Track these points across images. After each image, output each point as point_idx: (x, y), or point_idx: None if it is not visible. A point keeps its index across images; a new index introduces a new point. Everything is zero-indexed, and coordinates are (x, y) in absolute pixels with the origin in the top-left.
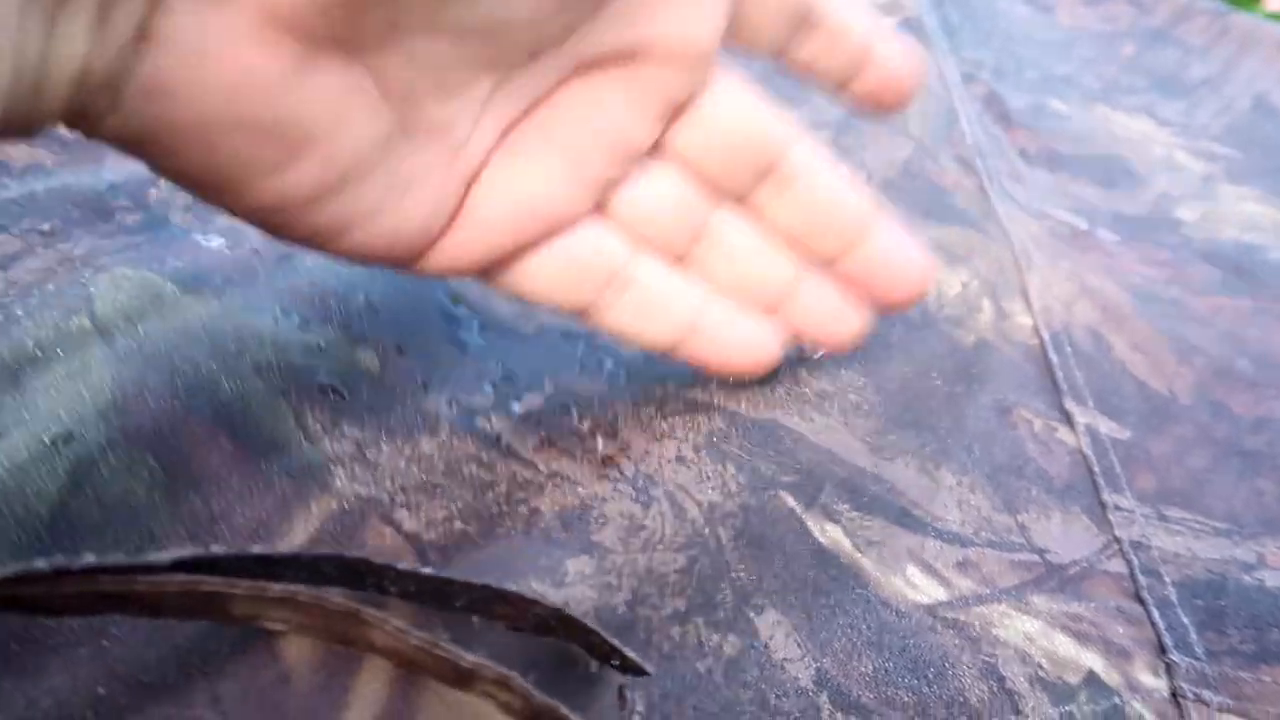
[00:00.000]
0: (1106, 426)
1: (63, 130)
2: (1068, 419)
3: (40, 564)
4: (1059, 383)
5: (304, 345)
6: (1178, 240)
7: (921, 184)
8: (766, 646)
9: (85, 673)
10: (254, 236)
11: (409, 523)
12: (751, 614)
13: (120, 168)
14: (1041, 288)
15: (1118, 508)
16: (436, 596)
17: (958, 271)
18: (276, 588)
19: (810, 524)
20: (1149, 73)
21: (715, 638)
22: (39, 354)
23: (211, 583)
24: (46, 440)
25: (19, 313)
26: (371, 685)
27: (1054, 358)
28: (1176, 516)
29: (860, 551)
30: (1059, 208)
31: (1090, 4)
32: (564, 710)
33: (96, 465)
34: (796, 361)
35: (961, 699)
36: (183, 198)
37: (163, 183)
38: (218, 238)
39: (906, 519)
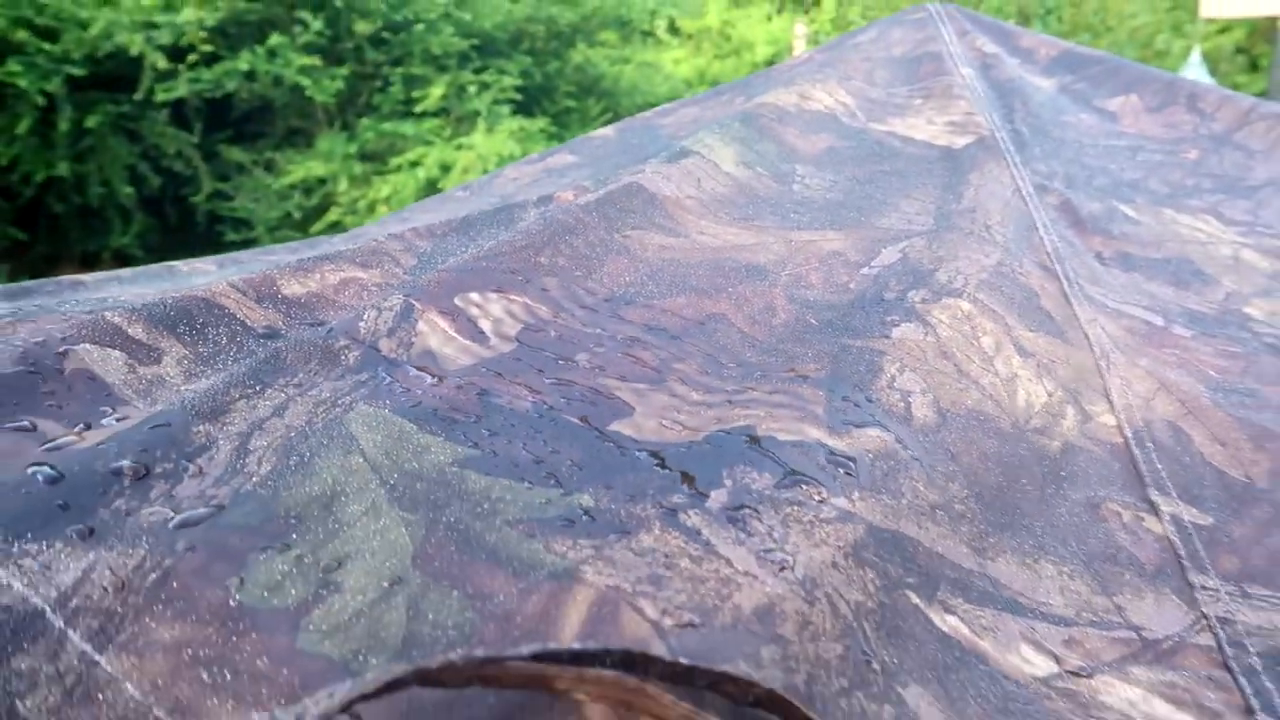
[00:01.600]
0: (1190, 514)
1: (286, 291)
2: (1153, 508)
3: (479, 653)
4: (1143, 476)
5: (536, 501)
6: (1248, 335)
7: (1012, 284)
8: (916, 713)
9: None
10: (446, 366)
11: (650, 610)
12: (899, 688)
13: (335, 315)
14: (1122, 387)
15: (1203, 587)
16: (684, 677)
17: (1044, 382)
18: (591, 673)
19: (933, 616)
20: (1213, 176)
21: (874, 707)
22: (337, 489)
23: (554, 670)
24: (385, 584)
25: (307, 454)
26: None
27: (1137, 453)
28: (1259, 594)
29: (978, 635)
30: (1135, 305)
31: (1153, 111)
32: None
33: (423, 600)
34: (917, 475)
35: None
36: (385, 325)
37: (368, 314)
38: (416, 371)
39: (1014, 606)
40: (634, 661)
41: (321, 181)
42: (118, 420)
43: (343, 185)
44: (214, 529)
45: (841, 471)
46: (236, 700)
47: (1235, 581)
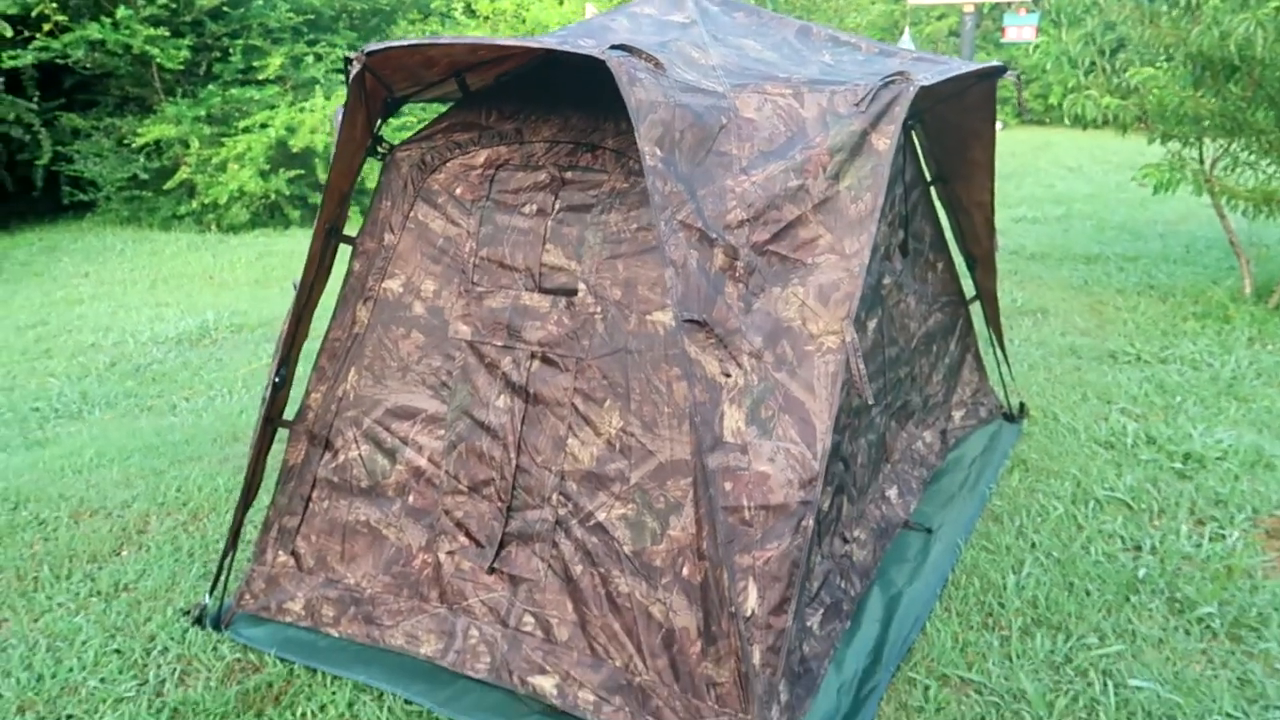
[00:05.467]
0: None
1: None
2: None
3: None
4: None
5: None
6: (747, 64)
7: (685, 45)
8: None
9: None
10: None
11: None
12: None
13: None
14: (716, 59)
15: None
16: None
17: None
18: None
19: None
20: (759, 33)
21: None
22: None
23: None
24: None
25: None
26: None
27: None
28: None
29: None
30: (730, 52)
31: (749, 16)
32: None
33: None
34: None
35: None
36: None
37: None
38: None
39: None
40: None
41: (169, 144)
42: None
43: (194, 146)
44: None
45: None
46: None
47: None
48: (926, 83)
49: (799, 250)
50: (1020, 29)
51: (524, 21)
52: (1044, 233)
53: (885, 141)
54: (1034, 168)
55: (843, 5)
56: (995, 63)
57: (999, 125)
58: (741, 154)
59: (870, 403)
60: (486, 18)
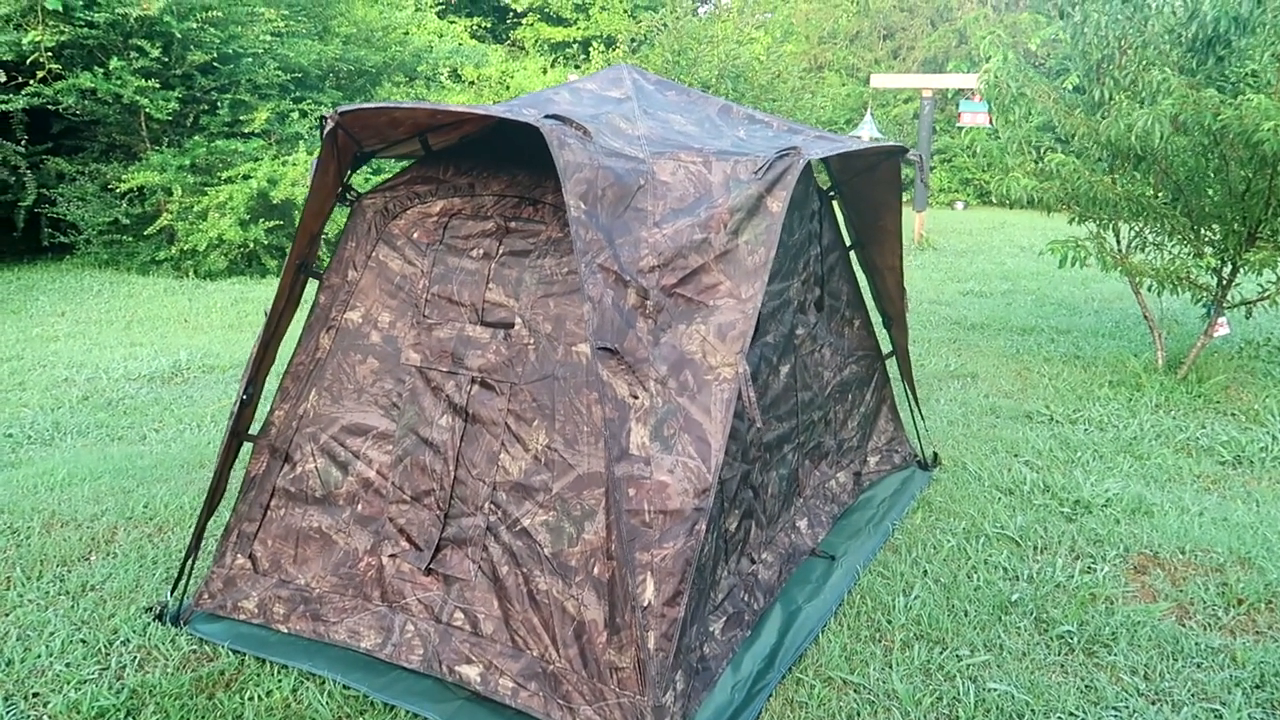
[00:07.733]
0: None
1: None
2: None
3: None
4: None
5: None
6: (670, 134)
7: (616, 119)
8: None
9: None
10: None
11: None
12: None
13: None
14: (644, 131)
15: None
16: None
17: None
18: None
19: None
20: (685, 109)
21: None
22: None
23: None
24: None
25: None
26: None
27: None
28: None
29: None
30: (655, 125)
31: (679, 95)
32: None
33: None
34: None
35: None
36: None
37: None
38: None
39: None
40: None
41: (152, 191)
42: None
43: (177, 193)
44: None
45: None
46: None
47: None
48: (814, 156)
49: (702, 293)
50: (974, 115)
51: (508, 88)
52: (987, 305)
53: (778, 204)
54: (988, 246)
55: (799, 87)
56: (896, 143)
57: (959, 205)
58: (655, 210)
59: (759, 425)
60: (472, 83)
